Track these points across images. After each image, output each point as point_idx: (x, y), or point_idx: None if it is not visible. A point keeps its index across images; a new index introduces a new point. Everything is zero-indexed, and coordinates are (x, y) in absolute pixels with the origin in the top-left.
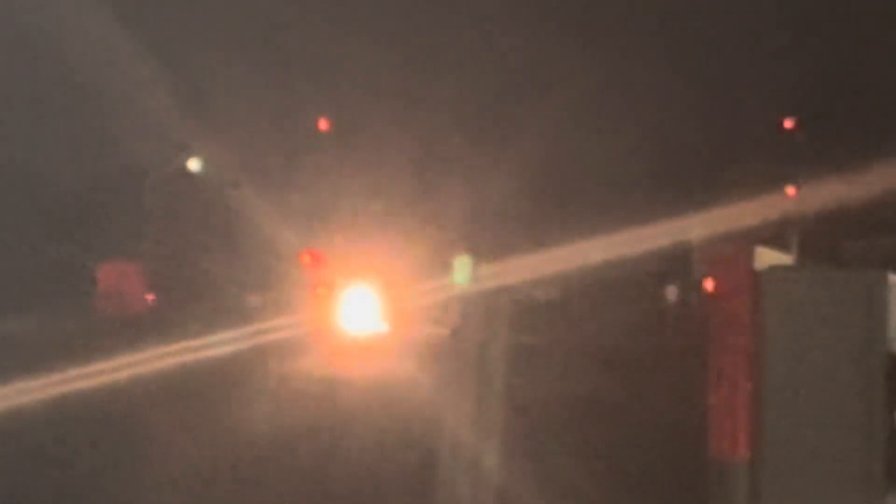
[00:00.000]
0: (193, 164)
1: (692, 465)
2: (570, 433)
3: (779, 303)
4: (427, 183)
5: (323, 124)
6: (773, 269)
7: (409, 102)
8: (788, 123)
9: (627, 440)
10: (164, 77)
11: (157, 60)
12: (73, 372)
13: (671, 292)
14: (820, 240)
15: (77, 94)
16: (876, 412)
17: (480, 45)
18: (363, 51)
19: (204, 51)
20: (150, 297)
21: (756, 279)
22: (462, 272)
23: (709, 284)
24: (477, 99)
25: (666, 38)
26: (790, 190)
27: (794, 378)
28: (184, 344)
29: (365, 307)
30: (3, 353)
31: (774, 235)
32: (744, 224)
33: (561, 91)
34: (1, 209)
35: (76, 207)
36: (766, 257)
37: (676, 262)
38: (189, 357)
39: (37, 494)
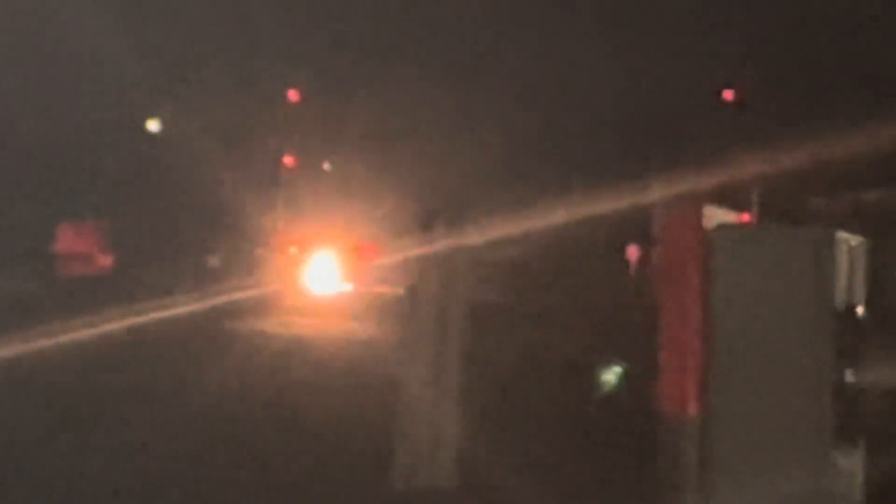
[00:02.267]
0: (153, 125)
1: (643, 421)
2: (525, 390)
3: (728, 261)
4: (391, 147)
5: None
6: (722, 228)
7: (374, 71)
8: (728, 95)
9: (580, 396)
10: (126, 39)
11: (119, 21)
12: (34, 331)
13: (631, 252)
14: (780, 198)
15: (37, 56)
16: (825, 369)
17: (445, 22)
18: (330, 17)
19: (167, 13)
20: (108, 257)
21: (705, 238)
22: None
23: (660, 244)
24: (441, 68)
25: (620, 16)
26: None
27: (744, 335)
28: (144, 304)
29: (328, 268)
30: None
31: (732, 195)
32: (699, 185)
33: (522, 63)
34: None
35: (35, 168)
36: (717, 216)
37: (636, 223)
38: (149, 317)
39: None
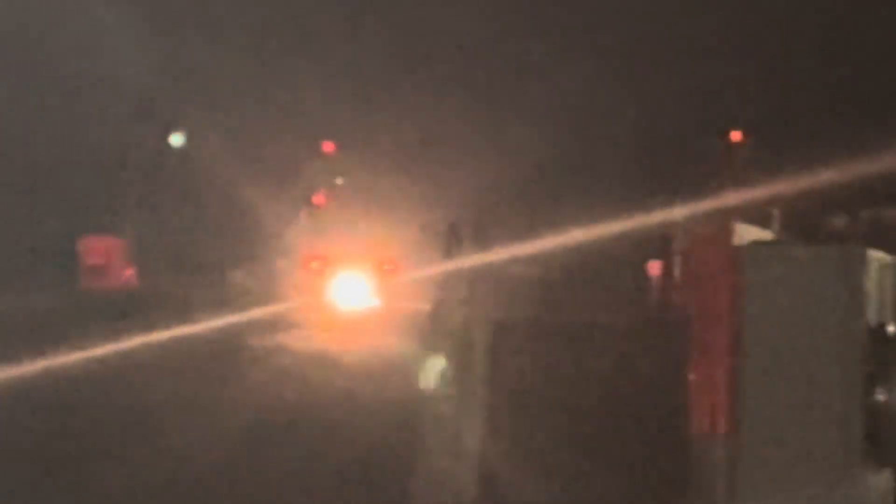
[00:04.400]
0: (176, 139)
1: (673, 440)
2: (551, 409)
3: (759, 279)
4: (416, 163)
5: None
6: (754, 246)
7: (402, 88)
8: (736, 136)
9: (609, 416)
10: (149, 54)
11: (143, 38)
12: (57, 346)
13: (652, 268)
14: (801, 216)
15: (62, 71)
16: (855, 387)
17: (476, 40)
18: (354, 39)
19: (191, 30)
20: (132, 271)
21: (737, 255)
22: None
23: (690, 261)
24: (470, 88)
25: (652, 42)
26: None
27: (774, 353)
28: (167, 319)
29: (354, 283)
30: None
31: (756, 213)
32: (725, 202)
33: (546, 80)
34: None
35: (59, 181)
36: (747, 234)
37: (659, 240)
38: (172, 332)
39: (21, 471)
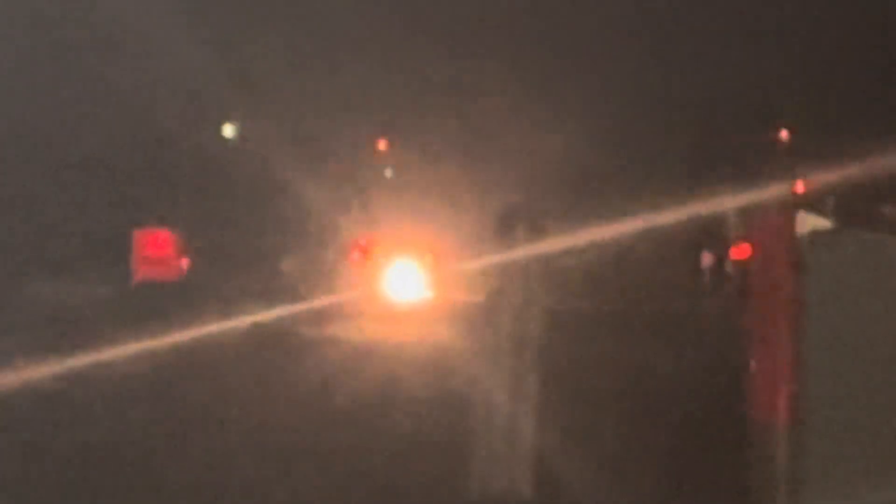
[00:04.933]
0: (229, 131)
1: (733, 430)
2: (605, 399)
3: (820, 267)
4: (470, 153)
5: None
6: (815, 234)
7: (455, 75)
8: (784, 133)
9: (664, 405)
10: (203, 46)
11: (197, 25)
12: (110, 337)
13: (705, 259)
14: (856, 204)
15: (116, 63)
16: None
17: (529, 29)
18: (405, 34)
19: (246, 21)
20: (184, 262)
21: (798, 244)
22: None
23: (748, 250)
24: (523, 78)
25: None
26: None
27: (835, 342)
28: (219, 310)
29: (408, 274)
30: (42, 318)
31: (812, 201)
32: (782, 191)
33: (601, 71)
34: (39, 176)
35: (111, 172)
36: (808, 222)
37: (711, 229)
38: (224, 323)
39: (68, 458)
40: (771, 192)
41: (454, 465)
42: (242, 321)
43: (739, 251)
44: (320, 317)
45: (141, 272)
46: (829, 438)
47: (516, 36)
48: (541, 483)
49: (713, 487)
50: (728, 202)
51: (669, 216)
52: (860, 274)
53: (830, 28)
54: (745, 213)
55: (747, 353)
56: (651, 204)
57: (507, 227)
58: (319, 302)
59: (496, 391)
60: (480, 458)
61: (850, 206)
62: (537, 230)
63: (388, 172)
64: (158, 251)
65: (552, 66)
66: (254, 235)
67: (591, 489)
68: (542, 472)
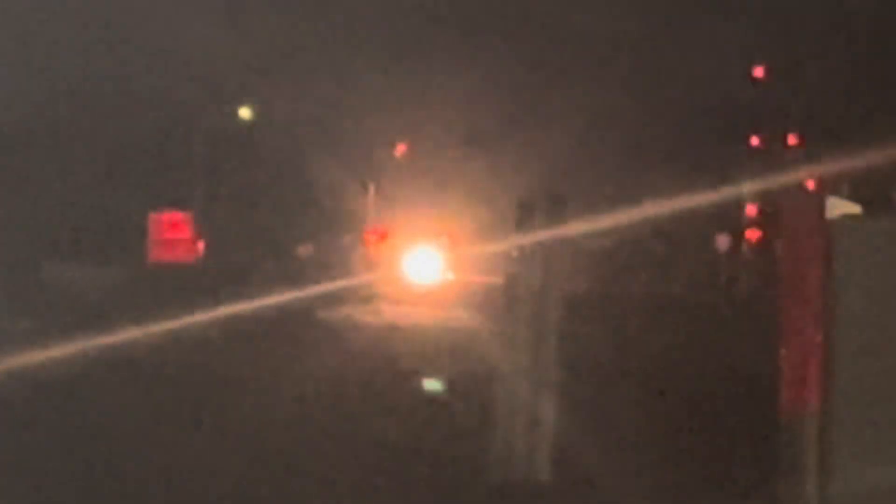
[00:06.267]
0: (245, 113)
1: (761, 416)
2: (626, 384)
3: (850, 253)
4: (490, 137)
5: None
6: (845, 219)
7: (477, 60)
8: (758, 73)
9: (687, 391)
10: (218, 28)
11: (212, 11)
12: (125, 319)
13: (721, 242)
14: (873, 189)
15: (130, 46)
16: None
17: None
18: (426, 22)
19: (262, 2)
20: (199, 245)
21: (827, 229)
22: None
23: (763, 231)
24: (539, 63)
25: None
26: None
27: (865, 329)
28: (234, 293)
29: (427, 257)
30: (57, 300)
31: (840, 188)
32: (795, 177)
33: (619, 56)
34: (54, 159)
35: (126, 155)
36: (836, 207)
37: (727, 214)
38: (240, 306)
39: (82, 442)
40: (798, 178)
41: (474, 449)
42: (258, 305)
43: (754, 232)
44: (336, 300)
45: (156, 254)
46: (857, 427)
47: (540, 23)
48: (561, 468)
49: (739, 477)
50: (744, 187)
51: (687, 200)
52: (889, 260)
53: (846, 25)
54: (769, 197)
55: (775, 339)
56: (668, 188)
57: (526, 210)
58: (335, 285)
59: (516, 375)
60: (500, 443)
61: (876, 193)
62: (556, 214)
63: (406, 156)
64: (174, 233)
65: (572, 55)
66: (270, 218)
67: (612, 475)
68: (563, 457)
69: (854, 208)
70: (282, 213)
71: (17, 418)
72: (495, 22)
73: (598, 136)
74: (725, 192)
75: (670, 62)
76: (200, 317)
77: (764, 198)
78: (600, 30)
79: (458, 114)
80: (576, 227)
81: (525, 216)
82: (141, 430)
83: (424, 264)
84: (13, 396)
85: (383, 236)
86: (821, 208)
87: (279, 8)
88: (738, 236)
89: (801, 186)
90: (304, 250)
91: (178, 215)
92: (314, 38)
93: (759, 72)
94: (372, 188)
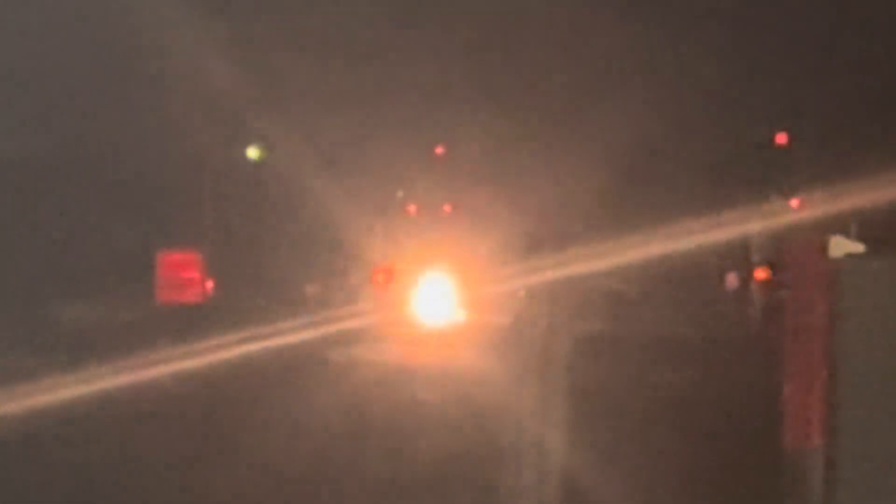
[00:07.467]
0: (253, 153)
1: (766, 452)
2: (634, 422)
3: (853, 292)
4: (499, 178)
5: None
6: (849, 258)
7: (483, 99)
8: (781, 139)
9: (694, 429)
10: (228, 69)
11: (223, 50)
12: (133, 359)
13: (730, 280)
14: (880, 228)
15: (140, 85)
16: None
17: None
18: (434, 60)
19: (272, 42)
20: (208, 284)
21: (831, 268)
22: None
23: (770, 271)
24: (552, 100)
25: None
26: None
27: (869, 367)
28: (243, 333)
29: (436, 296)
30: (66, 339)
31: (844, 226)
32: (808, 215)
33: (627, 97)
34: (62, 197)
35: (136, 196)
36: (841, 246)
37: (736, 253)
38: (248, 346)
39: (90, 479)
40: (803, 215)
41: (484, 486)
42: (267, 344)
43: (762, 272)
44: (345, 340)
45: (165, 294)
46: (861, 463)
47: (540, 59)
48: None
49: None
50: (756, 225)
51: (694, 239)
52: (893, 299)
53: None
54: (775, 236)
55: (780, 376)
56: (677, 227)
57: (533, 250)
58: (345, 325)
59: (525, 413)
60: (510, 480)
61: (880, 232)
62: (563, 254)
63: (400, 194)
64: (182, 273)
65: (575, 89)
66: (278, 258)
67: None
68: (572, 493)
69: (858, 247)
70: (291, 252)
71: (23, 455)
72: (514, 82)
73: (609, 174)
74: (735, 233)
75: (696, 121)
76: (206, 358)
77: (771, 238)
78: (606, 62)
79: (466, 154)
80: (583, 267)
81: (533, 255)
82: (144, 468)
83: (432, 303)
84: (18, 435)
85: (391, 275)
86: (824, 247)
87: (289, 48)
88: (746, 276)
89: (805, 227)
90: (313, 289)
91: (187, 255)
92: (323, 79)
93: (781, 138)
94: (378, 227)
